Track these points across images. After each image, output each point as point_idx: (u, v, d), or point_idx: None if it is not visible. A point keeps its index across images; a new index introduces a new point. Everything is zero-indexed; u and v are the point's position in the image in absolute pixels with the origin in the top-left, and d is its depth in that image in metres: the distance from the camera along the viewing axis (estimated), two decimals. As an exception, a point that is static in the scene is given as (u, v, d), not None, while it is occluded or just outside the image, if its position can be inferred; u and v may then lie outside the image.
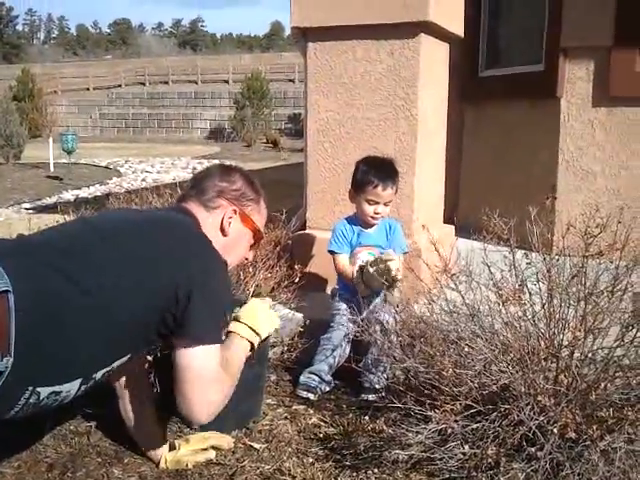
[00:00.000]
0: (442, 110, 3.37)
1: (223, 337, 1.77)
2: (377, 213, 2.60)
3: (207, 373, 1.64)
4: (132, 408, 1.97)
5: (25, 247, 1.62)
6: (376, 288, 2.46)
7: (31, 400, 1.49)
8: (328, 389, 2.46)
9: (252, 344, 1.85)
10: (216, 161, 15.96)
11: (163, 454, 1.96)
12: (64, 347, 1.50)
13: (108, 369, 1.64)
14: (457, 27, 3.29)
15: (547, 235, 2.03)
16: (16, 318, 1.40)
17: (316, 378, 2.41)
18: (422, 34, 2.94)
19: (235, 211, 1.87)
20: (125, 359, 1.68)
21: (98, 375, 1.62)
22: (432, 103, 3.16)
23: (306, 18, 3.05)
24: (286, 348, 2.66)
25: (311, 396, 2.39)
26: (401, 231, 2.71)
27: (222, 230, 1.85)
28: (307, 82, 3.18)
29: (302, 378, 2.42)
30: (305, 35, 3.14)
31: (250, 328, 1.84)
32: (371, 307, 2.49)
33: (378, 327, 2.22)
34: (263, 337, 1.89)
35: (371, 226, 2.64)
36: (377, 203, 2.58)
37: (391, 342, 2.11)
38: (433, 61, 3.12)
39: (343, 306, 2.57)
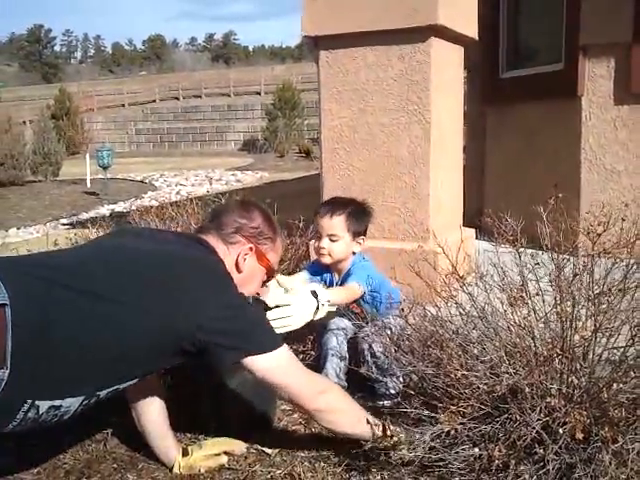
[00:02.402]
0: (457, 113, 3.36)
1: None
2: (320, 247, 2.44)
3: (284, 368, 1.75)
4: (145, 415, 2.00)
5: (28, 264, 1.66)
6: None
7: (30, 414, 1.51)
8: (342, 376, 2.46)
9: None
10: (250, 172, 16.16)
11: (176, 459, 1.99)
12: (62, 363, 1.52)
13: (113, 389, 1.66)
14: (470, 30, 3.28)
15: (564, 235, 2.00)
16: (13, 331, 1.43)
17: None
18: (433, 38, 2.94)
19: (252, 249, 1.90)
20: (133, 382, 1.71)
21: (102, 394, 1.64)
22: (446, 107, 3.15)
23: (316, 27, 3.09)
24: (301, 356, 2.68)
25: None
26: (356, 273, 2.44)
27: (236, 266, 1.88)
28: (320, 89, 3.21)
29: None
30: (317, 43, 3.18)
31: None
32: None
33: (388, 332, 2.22)
34: None
35: (337, 275, 2.52)
36: (321, 236, 2.45)
37: (399, 346, 2.11)
38: (446, 64, 3.12)
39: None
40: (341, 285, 2.49)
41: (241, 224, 1.91)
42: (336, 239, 2.44)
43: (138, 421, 2.02)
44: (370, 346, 2.37)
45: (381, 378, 2.37)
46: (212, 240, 1.87)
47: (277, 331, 2.04)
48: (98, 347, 1.56)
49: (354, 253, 2.50)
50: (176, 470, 1.98)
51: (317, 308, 2.15)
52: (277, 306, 2.08)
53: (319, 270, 2.58)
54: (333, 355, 2.46)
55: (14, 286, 1.48)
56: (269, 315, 2.06)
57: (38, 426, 1.58)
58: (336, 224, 2.43)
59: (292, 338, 2.79)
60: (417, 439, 1.81)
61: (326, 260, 2.48)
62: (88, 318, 1.55)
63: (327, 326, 2.52)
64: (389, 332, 2.26)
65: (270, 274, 2.01)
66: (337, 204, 2.49)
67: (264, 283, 2.02)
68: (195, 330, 1.63)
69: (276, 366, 1.72)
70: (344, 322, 2.51)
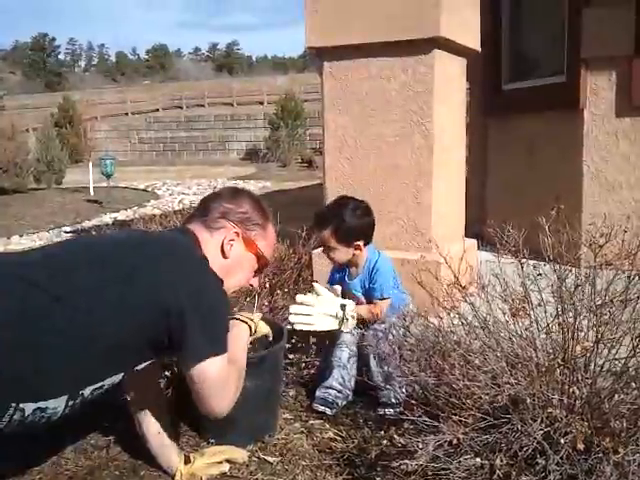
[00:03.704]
0: (459, 124, 3.38)
1: None
2: (328, 257, 2.56)
3: (219, 382, 1.69)
4: (146, 422, 2.01)
5: (5, 263, 1.66)
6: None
7: (16, 416, 1.49)
8: (345, 403, 2.46)
9: (250, 328, 1.93)
10: (252, 181, 16.18)
11: (178, 467, 1.99)
12: (45, 362, 1.50)
13: (97, 386, 1.63)
14: (472, 41, 3.30)
15: (566, 247, 2.01)
16: None
17: (332, 392, 2.43)
18: (435, 49, 2.97)
19: (237, 234, 1.85)
20: (118, 377, 1.67)
21: (86, 392, 1.60)
22: (448, 117, 3.18)
23: (320, 38, 3.12)
24: (304, 364, 2.69)
25: (328, 410, 2.40)
26: (383, 275, 2.52)
27: (222, 252, 1.83)
28: (323, 100, 3.24)
29: (318, 393, 2.44)
30: (320, 54, 3.20)
31: (247, 317, 1.96)
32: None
33: (387, 342, 2.23)
34: (258, 324, 1.98)
35: (354, 269, 2.59)
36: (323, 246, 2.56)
37: (401, 355, 2.12)
38: (448, 76, 3.15)
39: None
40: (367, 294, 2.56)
41: (228, 209, 1.86)
42: (331, 249, 2.51)
43: (140, 428, 2.02)
44: (373, 354, 2.38)
45: (383, 386, 2.38)
46: (195, 227, 1.83)
47: (297, 327, 2.33)
48: (76, 343, 1.53)
49: (354, 255, 2.52)
50: (178, 478, 1.98)
51: (342, 320, 2.35)
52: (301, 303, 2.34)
53: (338, 268, 2.66)
54: (338, 366, 2.47)
55: None
56: (291, 308, 2.33)
57: (28, 429, 1.55)
58: (326, 237, 2.49)
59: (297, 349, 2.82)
60: (420, 448, 1.80)
61: (333, 264, 2.61)
62: (64, 315, 1.53)
63: (335, 339, 2.53)
64: (390, 337, 2.27)
65: (262, 263, 1.94)
66: (325, 217, 2.51)
67: (256, 273, 1.96)
68: (166, 308, 1.60)
69: (212, 373, 1.67)
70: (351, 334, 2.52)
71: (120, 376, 1.69)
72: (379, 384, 2.38)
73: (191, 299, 1.62)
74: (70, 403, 1.59)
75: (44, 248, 1.86)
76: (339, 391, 2.44)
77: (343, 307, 2.38)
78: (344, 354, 2.48)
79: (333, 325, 2.37)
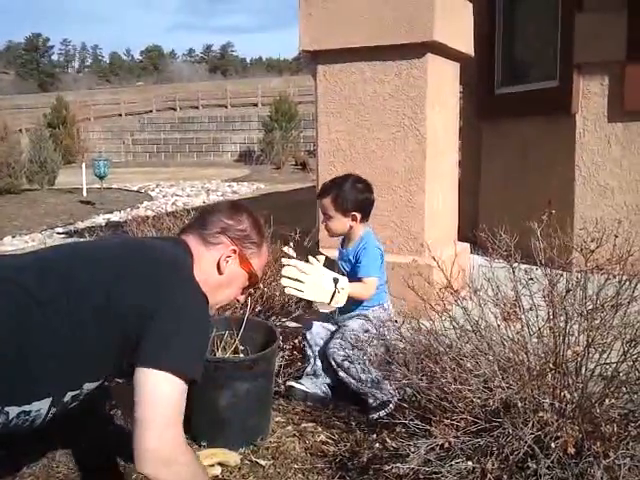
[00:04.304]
0: (453, 128, 3.39)
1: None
2: (325, 228, 2.64)
3: (169, 407, 1.50)
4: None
5: (1, 266, 1.65)
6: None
7: (0, 420, 1.48)
8: (318, 381, 2.53)
9: None
10: (246, 183, 16.17)
11: (170, 470, 1.98)
12: (29, 364, 1.49)
13: (77, 392, 1.60)
14: (466, 46, 3.32)
15: (558, 251, 2.02)
16: None
17: (306, 377, 2.55)
18: (429, 54, 2.98)
19: (235, 251, 1.83)
20: (94, 384, 1.65)
21: (67, 397, 1.59)
22: (441, 122, 3.19)
23: (314, 41, 3.12)
24: (299, 364, 2.69)
25: (300, 386, 2.48)
26: (369, 255, 2.56)
27: (218, 268, 1.81)
28: (317, 103, 3.25)
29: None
30: (314, 58, 3.21)
31: None
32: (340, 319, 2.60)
33: (379, 345, 2.24)
34: None
35: (348, 243, 2.66)
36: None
37: (391, 358, 2.13)
38: (441, 80, 3.16)
39: (310, 328, 2.64)
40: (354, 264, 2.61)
41: (227, 225, 1.83)
42: (329, 217, 2.59)
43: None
44: (333, 358, 2.44)
45: (368, 392, 2.40)
46: (191, 240, 1.81)
47: (287, 290, 2.38)
48: (58, 345, 1.52)
49: (351, 227, 2.59)
50: (170, 481, 1.98)
51: (334, 294, 2.41)
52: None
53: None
54: (308, 354, 2.58)
55: None
56: (284, 270, 2.37)
57: (11, 432, 1.54)
58: (326, 205, 2.59)
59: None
60: (412, 451, 1.81)
61: (329, 235, 2.68)
62: (46, 316, 1.52)
63: (305, 328, 2.63)
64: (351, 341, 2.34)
65: (252, 281, 1.92)
66: (329, 186, 2.61)
67: (245, 290, 1.94)
68: (144, 318, 1.55)
69: (161, 392, 1.50)
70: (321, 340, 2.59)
71: (97, 383, 1.66)
72: (364, 391, 2.41)
73: (171, 312, 1.58)
74: (52, 410, 1.58)
75: (37, 252, 1.84)
76: (314, 373, 2.54)
77: (336, 281, 2.44)
78: (313, 339, 2.60)
79: (324, 298, 2.43)
